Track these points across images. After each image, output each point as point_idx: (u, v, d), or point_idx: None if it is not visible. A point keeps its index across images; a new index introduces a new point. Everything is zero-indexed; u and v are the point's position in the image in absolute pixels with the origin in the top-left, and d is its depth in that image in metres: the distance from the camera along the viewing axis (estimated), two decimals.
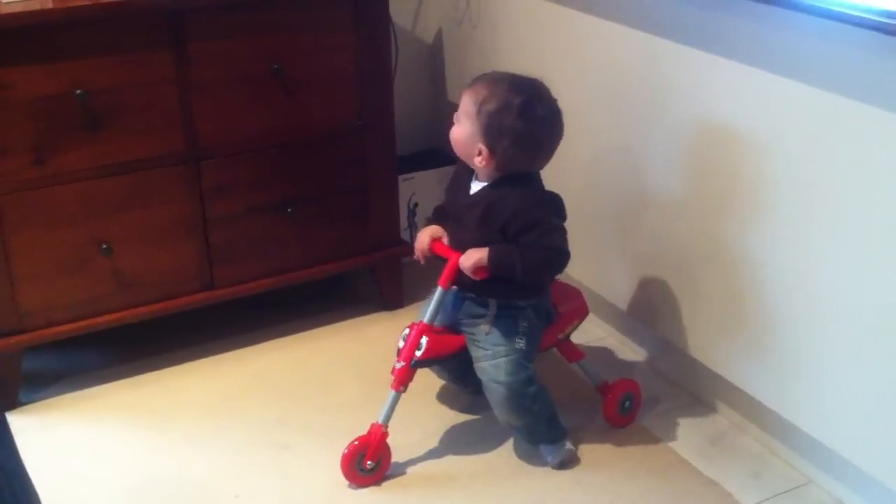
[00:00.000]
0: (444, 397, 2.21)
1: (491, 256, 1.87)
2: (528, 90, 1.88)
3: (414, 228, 2.80)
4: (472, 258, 1.88)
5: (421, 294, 2.37)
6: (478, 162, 1.90)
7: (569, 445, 2.03)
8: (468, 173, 1.97)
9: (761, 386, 2.03)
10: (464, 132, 1.91)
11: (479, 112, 1.87)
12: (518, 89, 1.87)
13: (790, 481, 1.99)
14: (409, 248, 2.60)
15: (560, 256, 1.92)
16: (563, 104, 1.93)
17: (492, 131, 1.86)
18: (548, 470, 2.02)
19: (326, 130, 2.38)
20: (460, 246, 1.93)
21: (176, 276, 2.31)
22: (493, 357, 1.93)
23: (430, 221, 2.07)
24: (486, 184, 1.93)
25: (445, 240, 1.99)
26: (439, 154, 2.91)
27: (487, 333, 1.94)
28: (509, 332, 1.94)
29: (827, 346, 1.86)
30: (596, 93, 2.28)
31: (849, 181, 1.75)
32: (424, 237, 2.01)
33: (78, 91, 2.08)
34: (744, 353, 2.05)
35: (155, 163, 2.21)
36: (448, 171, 2.65)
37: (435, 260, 2.00)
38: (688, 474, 2.01)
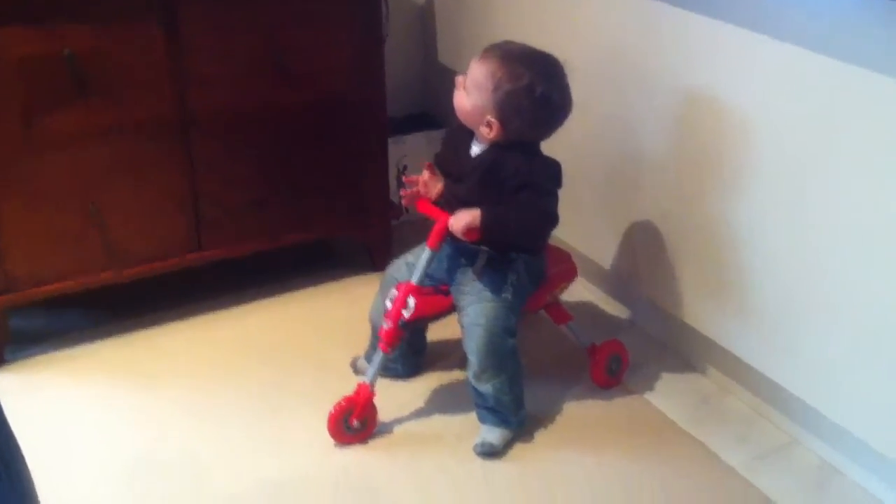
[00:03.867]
0: (432, 358, 2.21)
1: (483, 217, 1.87)
2: (549, 77, 1.87)
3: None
4: (464, 220, 1.87)
5: None
6: (484, 132, 1.90)
7: (502, 440, 1.96)
8: (468, 135, 1.96)
9: (748, 347, 2.04)
10: (473, 103, 1.89)
11: (495, 88, 1.86)
12: (540, 74, 1.86)
13: (776, 442, 1.99)
14: (398, 210, 2.60)
15: (549, 220, 1.93)
16: None
17: (508, 110, 1.86)
18: (533, 430, 2.02)
19: (317, 96, 2.35)
20: (459, 203, 1.92)
21: (165, 241, 2.30)
22: (477, 302, 1.93)
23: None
24: (487, 146, 1.93)
25: (437, 191, 1.98)
26: (429, 117, 2.89)
27: (475, 281, 1.94)
28: (497, 282, 1.94)
29: (812, 308, 1.86)
30: (588, 58, 2.26)
31: (836, 146, 1.75)
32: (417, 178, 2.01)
33: (66, 51, 2.05)
34: (731, 315, 2.05)
35: (144, 129, 2.19)
36: (438, 134, 2.65)
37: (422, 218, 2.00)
38: (674, 435, 2.02)
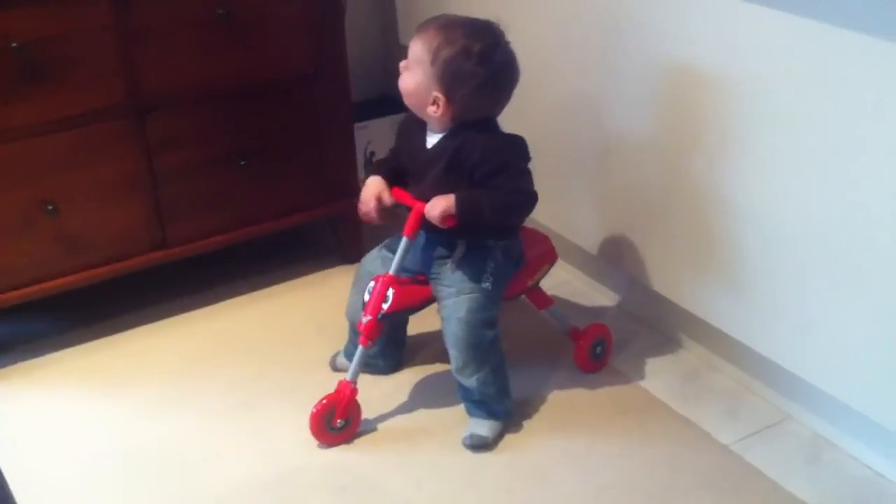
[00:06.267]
0: (412, 349, 2.16)
1: (458, 203, 1.81)
2: (486, 35, 1.81)
3: None
4: (439, 206, 1.81)
5: None
6: (432, 112, 1.83)
7: (492, 432, 1.92)
8: (420, 127, 1.90)
9: (734, 321, 2.00)
10: (416, 80, 1.83)
11: (434, 59, 1.79)
12: (476, 34, 1.80)
13: (768, 417, 1.97)
14: None
15: (528, 199, 1.87)
16: (522, 46, 1.86)
17: (450, 78, 1.79)
18: (521, 418, 1.97)
19: (277, 78, 2.28)
20: (425, 199, 1.85)
21: (126, 235, 2.22)
22: (456, 294, 1.88)
23: (371, 173, 1.96)
24: (442, 134, 1.87)
25: (386, 195, 1.91)
26: (393, 101, 2.82)
27: (453, 272, 1.89)
28: (476, 272, 1.89)
29: (799, 280, 1.83)
30: (557, 33, 2.21)
31: (818, 114, 1.70)
32: (369, 196, 1.91)
33: (14, 44, 1.96)
34: (715, 290, 2.01)
35: (98, 117, 2.10)
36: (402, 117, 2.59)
37: (394, 210, 1.92)
38: (664, 415, 1.98)
